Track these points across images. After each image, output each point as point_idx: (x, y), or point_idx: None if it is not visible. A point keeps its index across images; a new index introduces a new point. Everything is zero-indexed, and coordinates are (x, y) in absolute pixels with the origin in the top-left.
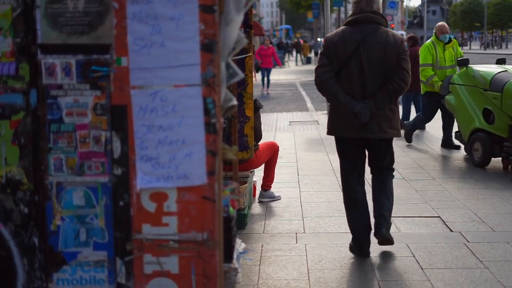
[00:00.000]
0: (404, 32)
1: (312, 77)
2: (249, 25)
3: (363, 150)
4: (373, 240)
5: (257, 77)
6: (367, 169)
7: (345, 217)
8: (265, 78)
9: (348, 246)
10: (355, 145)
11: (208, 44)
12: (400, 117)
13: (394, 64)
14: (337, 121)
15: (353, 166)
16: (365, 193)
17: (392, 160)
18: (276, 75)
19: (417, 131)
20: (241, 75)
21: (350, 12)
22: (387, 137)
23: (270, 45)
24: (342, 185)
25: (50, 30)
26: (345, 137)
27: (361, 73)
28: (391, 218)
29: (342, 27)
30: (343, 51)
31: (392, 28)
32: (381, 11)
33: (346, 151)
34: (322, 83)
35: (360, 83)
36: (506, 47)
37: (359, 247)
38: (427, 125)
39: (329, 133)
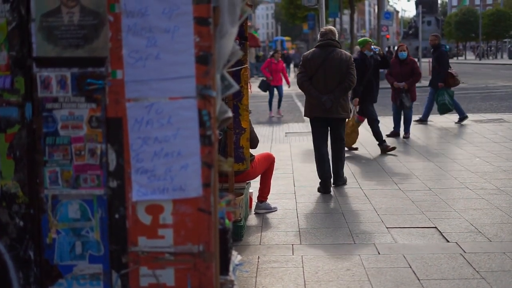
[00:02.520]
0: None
1: None
2: (244, 37)
3: (326, 126)
4: (372, 253)
5: (258, 95)
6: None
7: (342, 229)
8: (271, 98)
9: (344, 257)
10: (322, 122)
11: (203, 56)
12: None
13: (345, 72)
14: (311, 107)
15: (321, 135)
16: (327, 153)
17: (344, 133)
18: None
19: (408, 141)
20: (236, 87)
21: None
22: (341, 117)
23: (280, 59)
24: (314, 148)
25: (46, 43)
26: (316, 116)
27: (325, 78)
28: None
29: (313, 49)
30: (314, 64)
31: (387, 39)
32: (337, 39)
33: (316, 126)
34: (302, 84)
35: (324, 83)
36: (501, 57)
37: (324, 187)
38: (422, 139)
39: (305, 115)
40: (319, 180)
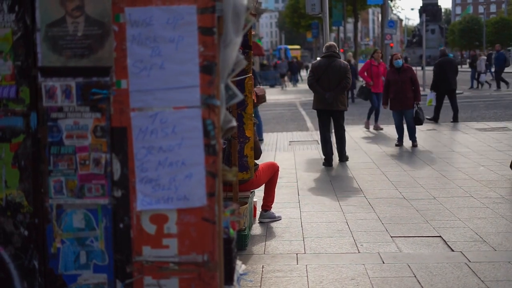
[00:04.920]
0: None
1: (311, 97)
2: (249, 46)
3: (329, 116)
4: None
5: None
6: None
7: (346, 238)
8: (373, 107)
9: (349, 266)
10: (325, 114)
11: (208, 66)
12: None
13: (343, 76)
14: (318, 101)
15: (325, 123)
16: (330, 137)
17: (343, 122)
18: (276, 95)
19: (414, 150)
20: (240, 96)
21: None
22: (340, 109)
23: (382, 61)
24: (320, 133)
25: (50, 53)
26: (321, 109)
27: (328, 80)
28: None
29: (319, 58)
30: (320, 69)
31: (391, 47)
32: (337, 51)
33: (321, 116)
34: (311, 84)
35: (328, 84)
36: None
37: (327, 162)
38: (426, 147)
39: (313, 107)
40: (324, 157)
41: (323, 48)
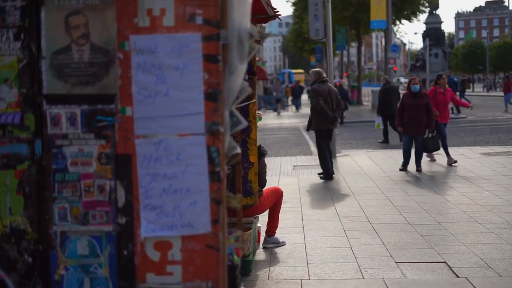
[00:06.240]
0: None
1: None
2: (253, 72)
3: (327, 135)
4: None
5: (265, 128)
6: None
7: (350, 263)
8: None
9: None
10: (326, 132)
11: (212, 93)
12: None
13: (338, 98)
14: (324, 122)
15: (325, 142)
16: (330, 152)
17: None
18: (279, 119)
19: (418, 175)
20: (244, 123)
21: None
22: (335, 127)
23: (448, 87)
24: (321, 152)
25: (56, 80)
26: (325, 129)
27: (331, 102)
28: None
29: (318, 83)
30: (324, 93)
31: (395, 71)
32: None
33: (322, 135)
34: (322, 107)
35: (331, 106)
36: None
37: (330, 176)
38: (431, 172)
39: (318, 128)
40: (324, 172)
41: (314, 74)
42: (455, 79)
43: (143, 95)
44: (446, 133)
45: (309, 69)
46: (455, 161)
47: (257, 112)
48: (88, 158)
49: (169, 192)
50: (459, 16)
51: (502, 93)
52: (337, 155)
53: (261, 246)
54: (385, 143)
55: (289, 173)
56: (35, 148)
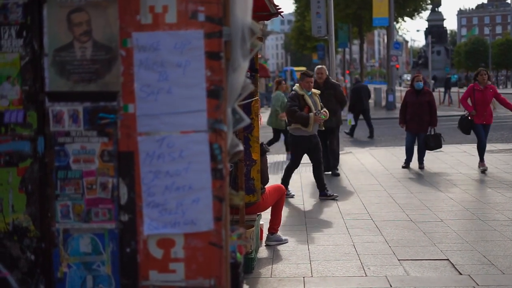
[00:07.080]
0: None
1: None
2: (255, 69)
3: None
4: None
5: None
6: None
7: (353, 261)
8: (479, 142)
9: None
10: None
11: (215, 90)
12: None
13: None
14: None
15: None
16: (331, 148)
17: None
18: None
19: (420, 172)
20: (247, 120)
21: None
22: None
23: (490, 84)
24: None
25: (58, 78)
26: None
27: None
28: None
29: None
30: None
31: (397, 69)
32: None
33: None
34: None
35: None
36: None
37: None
38: (433, 170)
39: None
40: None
41: (318, 73)
42: (455, 77)
43: (145, 92)
44: (484, 136)
45: (311, 67)
46: (486, 169)
47: (323, 110)
48: (91, 155)
49: (171, 189)
50: (461, 13)
51: (504, 91)
52: (340, 152)
53: (263, 244)
54: (350, 136)
55: None
56: (38, 145)
